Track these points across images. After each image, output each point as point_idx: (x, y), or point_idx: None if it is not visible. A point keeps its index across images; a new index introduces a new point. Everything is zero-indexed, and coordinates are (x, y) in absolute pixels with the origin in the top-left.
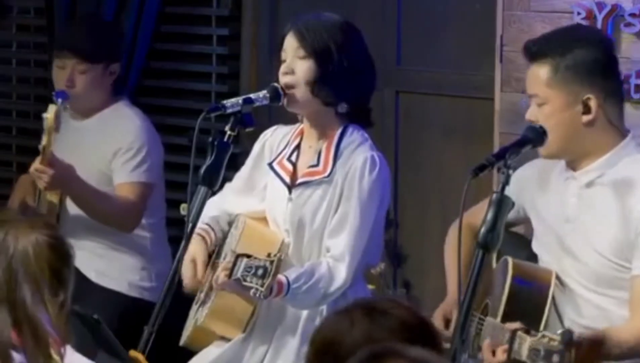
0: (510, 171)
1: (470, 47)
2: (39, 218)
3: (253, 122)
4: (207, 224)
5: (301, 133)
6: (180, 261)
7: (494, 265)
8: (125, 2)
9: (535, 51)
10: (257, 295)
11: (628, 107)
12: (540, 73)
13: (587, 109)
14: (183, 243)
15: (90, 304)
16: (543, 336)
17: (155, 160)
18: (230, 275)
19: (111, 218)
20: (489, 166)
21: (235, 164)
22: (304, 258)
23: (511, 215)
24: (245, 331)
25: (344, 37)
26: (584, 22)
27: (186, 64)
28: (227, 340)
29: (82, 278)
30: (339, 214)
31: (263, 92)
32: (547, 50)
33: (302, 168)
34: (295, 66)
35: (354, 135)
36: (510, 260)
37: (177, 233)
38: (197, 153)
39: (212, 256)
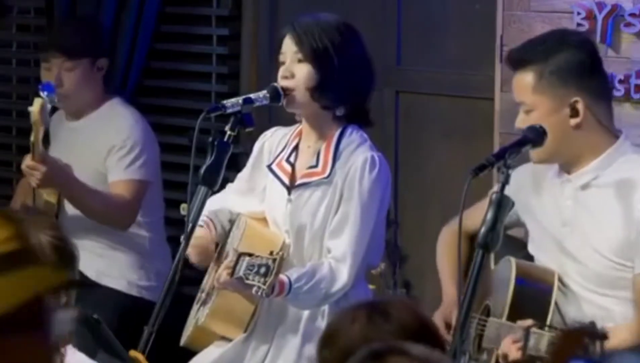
0: (510, 171)
1: (470, 47)
2: (44, 218)
3: (253, 123)
4: (206, 216)
5: (299, 134)
6: (180, 261)
7: (492, 266)
8: (125, 2)
9: (519, 58)
10: (260, 293)
11: (628, 107)
12: (525, 80)
13: (574, 112)
14: (183, 243)
15: (90, 303)
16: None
17: (150, 157)
18: (232, 274)
19: (106, 215)
20: (489, 166)
21: (235, 164)
22: (304, 258)
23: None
24: (246, 331)
25: (341, 39)
26: (584, 22)
27: (186, 64)
28: (228, 340)
29: (82, 278)
30: (340, 215)
31: (263, 92)
32: (530, 57)
33: (301, 169)
34: (294, 69)
35: (353, 135)
36: (513, 261)
37: (177, 232)
38: (197, 153)
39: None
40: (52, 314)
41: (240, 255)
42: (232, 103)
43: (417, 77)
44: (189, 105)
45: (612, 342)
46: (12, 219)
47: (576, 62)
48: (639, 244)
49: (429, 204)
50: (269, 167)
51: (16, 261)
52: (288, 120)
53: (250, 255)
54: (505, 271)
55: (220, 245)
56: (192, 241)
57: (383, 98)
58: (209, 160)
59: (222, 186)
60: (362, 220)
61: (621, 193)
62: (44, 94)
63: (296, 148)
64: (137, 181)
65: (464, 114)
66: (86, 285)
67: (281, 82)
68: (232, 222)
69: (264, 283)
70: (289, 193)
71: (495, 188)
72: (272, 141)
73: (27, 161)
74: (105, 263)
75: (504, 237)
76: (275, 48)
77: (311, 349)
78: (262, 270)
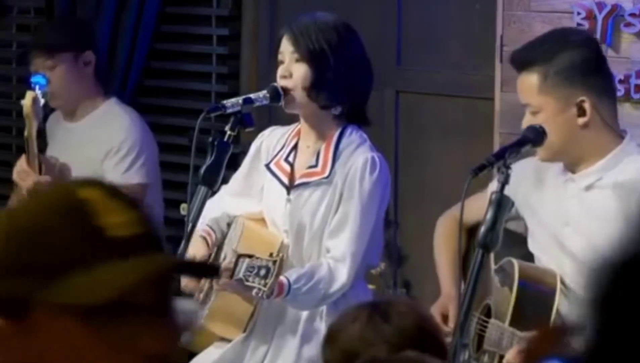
0: (510, 171)
1: (470, 47)
2: None
3: (253, 123)
4: (208, 225)
5: (298, 133)
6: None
7: (492, 264)
8: (125, 2)
9: (523, 59)
10: (260, 294)
11: (628, 107)
12: (530, 81)
13: (581, 112)
14: (183, 243)
15: None
16: None
17: (149, 159)
18: (232, 276)
19: None
20: (488, 166)
21: (235, 164)
22: (304, 258)
23: None
24: (246, 331)
25: (339, 39)
26: (584, 22)
27: (186, 64)
28: (227, 341)
29: None
30: (339, 215)
31: (263, 92)
32: (534, 57)
33: (300, 169)
34: (292, 69)
35: (353, 136)
36: (515, 263)
37: (177, 233)
38: (197, 153)
39: (211, 256)
40: (175, 302)
41: (239, 257)
42: (232, 103)
43: (417, 77)
44: (189, 105)
45: None
46: (134, 204)
47: (580, 61)
48: None
49: (428, 204)
50: (267, 166)
51: (138, 245)
52: (288, 120)
53: (249, 256)
54: (506, 273)
55: (217, 247)
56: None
57: (383, 98)
58: (209, 160)
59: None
60: (362, 220)
61: (626, 193)
62: (35, 87)
63: (295, 147)
64: (135, 186)
65: (464, 114)
66: (206, 272)
67: (280, 82)
68: (230, 225)
69: (265, 285)
70: (288, 193)
71: (495, 187)
72: (270, 141)
73: (22, 164)
74: None
75: (504, 233)
76: (275, 48)
77: (310, 350)
78: (262, 271)
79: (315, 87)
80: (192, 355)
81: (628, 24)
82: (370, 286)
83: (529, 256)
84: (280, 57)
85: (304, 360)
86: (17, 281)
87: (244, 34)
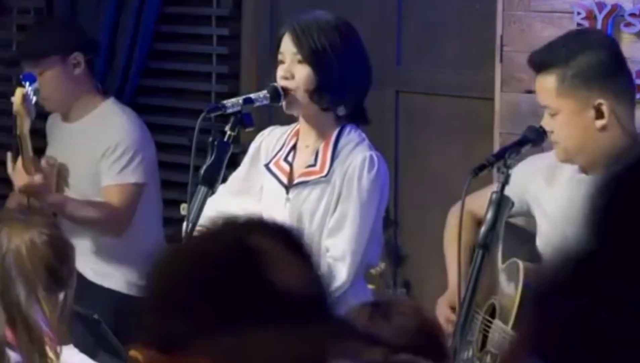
0: (510, 171)
1: (470, 47)
2: (39, 217)
3: (253, 123)
4: (204, 225)
5: (297, 133)
6: None
7: (499, 263)
8: (125, 2)
9: (540, 61)
10: None
11: None
12: (547, 84)
13: (599, 114)
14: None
15: (90, 303)
16: None
17: (146, 159)
18: None
19: (95, 227)
20: (488, 166)
21: (235, 164)
22: None
23: (515, 207)
24: None
25: (340, 39)
26: (584, 22)
27: (186, 64)
28: None
29: (79, 278)
30: (338, 214)
31: (263, 92)
32: (552, 59)
33: (299, 168)
34: (294, 70)
35: (352, 135)
36: (521, 265)
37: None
38: (197, 153)
39: None
40: None
41: None
42: (232, 103)
43: (417, 77)
44: (189, 105)
45: None
46: (308, 258)
47: (598, 64)
48: None
49: (428, 204)
50: (267, 166)
51: (303, 309)
52: (288, 120)
53: None
54: (512, 274)
55: None
56: None
57: (383, 98)
58: (209, 160)
59: None
60: (361, 219)
61: None
62: (26, 84)
63: (294, 147)
64: (130, 185)
65: (464, 114)
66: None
67: (281, 83)
68: None
69: None
70: (287, 192)
71: (495, 187)
72: (269, 140)
73: (18, 165)
74: (104, 264)
75: (509, 228)
76: (275, 47)
77: None
78: None
79: (318, 90)
80: None
81: (628, 24)
82: (370, 286)
83: (535, 254)
84: (280, 57)
85: None
86: (180, 323)
87: (244, 34)
